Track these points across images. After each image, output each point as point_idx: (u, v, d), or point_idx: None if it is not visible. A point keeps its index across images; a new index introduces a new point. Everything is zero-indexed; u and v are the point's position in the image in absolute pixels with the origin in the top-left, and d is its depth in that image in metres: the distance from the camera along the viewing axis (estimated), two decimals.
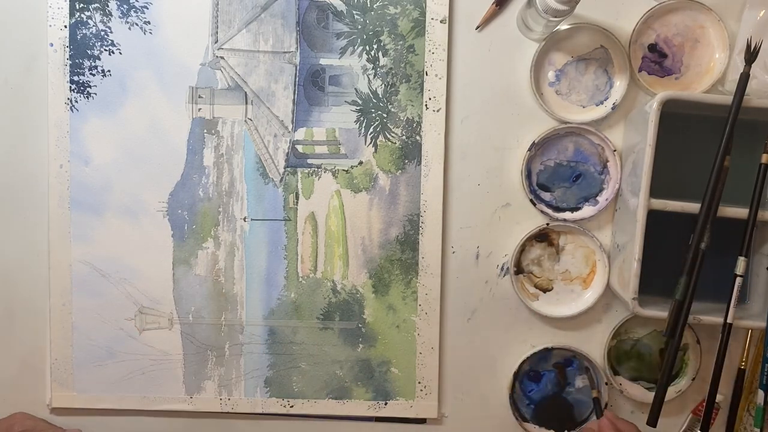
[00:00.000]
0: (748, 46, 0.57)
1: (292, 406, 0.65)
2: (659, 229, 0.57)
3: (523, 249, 0.64)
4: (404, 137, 0.63)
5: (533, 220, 0.63)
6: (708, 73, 0.62)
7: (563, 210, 0.63)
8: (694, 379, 0.64)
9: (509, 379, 0.64)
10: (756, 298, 0.61)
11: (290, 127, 0.63)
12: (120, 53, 0.62)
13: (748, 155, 0.59)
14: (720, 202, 0.56)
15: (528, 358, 0.64)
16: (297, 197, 0.64)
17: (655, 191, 0.56)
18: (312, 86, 0.63)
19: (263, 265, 0.64)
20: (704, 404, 0.61)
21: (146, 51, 0.62)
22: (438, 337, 0.64)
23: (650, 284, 0.58)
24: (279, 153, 0.63)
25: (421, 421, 0.66)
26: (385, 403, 0.65)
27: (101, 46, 0.62)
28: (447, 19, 0.62)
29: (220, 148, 0.63)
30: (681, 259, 0.57)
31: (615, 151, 0.62)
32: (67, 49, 0.62)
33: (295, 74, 0.63)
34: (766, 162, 0.57)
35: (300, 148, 0.63)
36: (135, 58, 0.62)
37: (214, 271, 0.64)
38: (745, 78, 0.56)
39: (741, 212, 0.57)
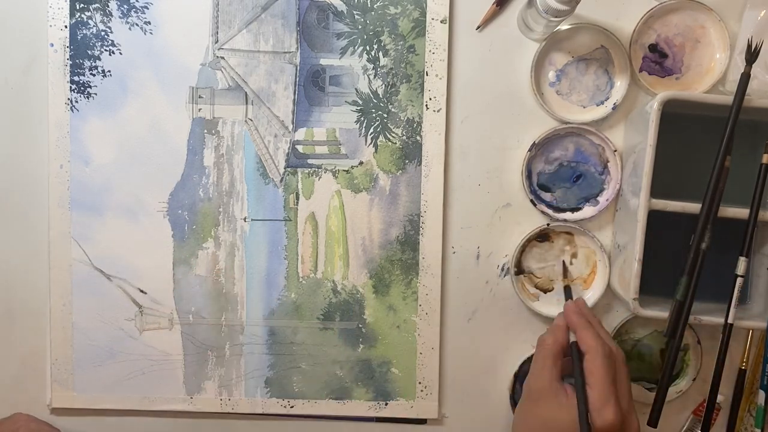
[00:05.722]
0: (749, 46, 0.57)
1: (292, 407, 0.65)
2: (660, 229, 0.57)
3: (523, 249, 0.64)
4: (405, 137, 0.63)
5: (534, 220, 0.63)
6: (709, 73, 0.62)
7: (564, 210, 0.63)
8: (694, 379, 0.64)
9: (510, 380, 0.64)
10: (757, 298, 0.61)
11: (290, 128, 0.63)
12: (120, 53, 0.62)
13: (749, 155, 0.59)
14: (721, 202, 0.56)
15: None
16: (297, 197, 0.64)
17: (655, 191, 0.56)
18: (312, 86, 0.63)
19: (263, 265, 0.64)
20: (705, 405, 0.61)
21: (146, 51, 0.62)
22: (438, 337, 0.64)
23: (651, 284, 0.58)
24: (279, 153, 0.63)
25: (422, 421, 0.66)
26: (386, 404, 0.65)
27: (101, 46, 0.62)
28: (447, 19, 0.62)
29: (221, 149, 0.63)
30: (682, 260, 0.57)
31: (615, 151, 0.62)
32: (68, 50, 0.62)
33: (296, 74, 0.63)
34: (766, 162, 0.57)
35: (300, 148, 0.63)
36: (135, 58, 0.62)
37: (214, 272, 0.64)
38: (745, 78, 0.56)
39: (742, 212, 0.57)
